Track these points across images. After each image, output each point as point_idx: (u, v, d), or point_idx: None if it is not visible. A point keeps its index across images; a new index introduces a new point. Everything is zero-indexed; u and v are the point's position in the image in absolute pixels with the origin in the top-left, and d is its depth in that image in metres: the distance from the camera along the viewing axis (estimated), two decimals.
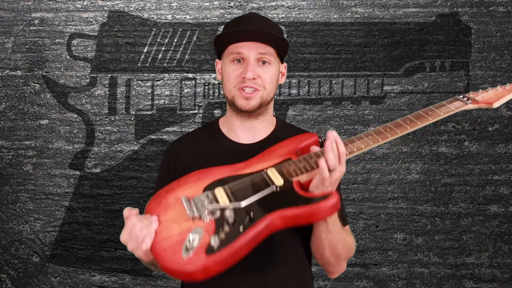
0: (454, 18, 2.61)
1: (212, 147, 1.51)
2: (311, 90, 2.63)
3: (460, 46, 2.61)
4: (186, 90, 2.65)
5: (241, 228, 1.13)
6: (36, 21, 2.65)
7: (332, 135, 1.21)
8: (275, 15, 2.63)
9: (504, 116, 2.62)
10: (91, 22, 2.65)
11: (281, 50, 1.48)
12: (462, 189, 2.62)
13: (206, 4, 2.64)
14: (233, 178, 1.26)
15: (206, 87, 2.64)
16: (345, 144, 1.25)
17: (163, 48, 2.63)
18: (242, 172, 1.28)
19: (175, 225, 1.17)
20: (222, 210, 1.17)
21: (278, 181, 1.22)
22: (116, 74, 2.65)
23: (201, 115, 2.64)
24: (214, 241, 1.11)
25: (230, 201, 1.19)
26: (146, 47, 2.64)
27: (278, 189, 1.21)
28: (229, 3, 2.64)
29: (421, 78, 2.63)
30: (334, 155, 1.20)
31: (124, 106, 2.65)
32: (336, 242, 1.35)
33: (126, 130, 2.65)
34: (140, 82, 2.65)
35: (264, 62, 1.44)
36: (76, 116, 2.65)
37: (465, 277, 2.61)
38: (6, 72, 2.65)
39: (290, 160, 1.28)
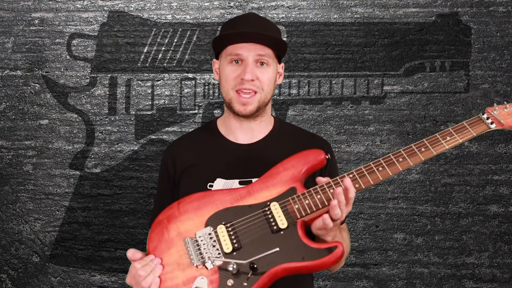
0: (454, 18, 2.61)
1: (211, 148, 1.51)
2: (311, 90, 2.63)
3: (460, 46, 2.61)
4: (186, 90, 2.65)
5: (245, 284, 1.13)
6: (36, 21, 2.65)
7: (339, 194, 1.17)
8: (275, 15, 2.63)
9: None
10: (91, 22, 2.65)
11: (279, 51, 1.48)
12: (462, 189, 2.62)
13: (206, 4, 2.64)
14: (235, 210, 1.24)
15: (206, 87, 2.64)
16: (354, 179, 1.21)
17: (163, 48, 2.63)
18: (244, 203, 1.26)
19: (179, 272, 1.17)
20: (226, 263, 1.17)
21: (282, 223, 1.20)
22: (116, 74, 2.65)
23: (201, 115, 2.64)
24: None
25: (234, 247, 1.18)
26: (146, 47, 2.64)
27: (282, 232, 1.19)
28: (229, 3, 2.64)
29: (421, 78, 2.62)
30: (341, 209, 1.18)
31: (124, 106, 2.65)
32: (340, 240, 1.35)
33: (126, 130, 2.65)
34: (140, 82, 2.65)
35: (262, 64, 1.43)
36: (76, 116, 2.65)
37: (465, 277, 2.61)
38: (6, 72, 2.65)
39: (294, 191, 1.24)
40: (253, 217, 1.22)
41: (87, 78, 2.65)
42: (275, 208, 1.22)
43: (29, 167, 2.66)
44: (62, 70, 2.65)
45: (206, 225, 1.23)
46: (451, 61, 2.61)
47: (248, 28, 1.43)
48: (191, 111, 2.65)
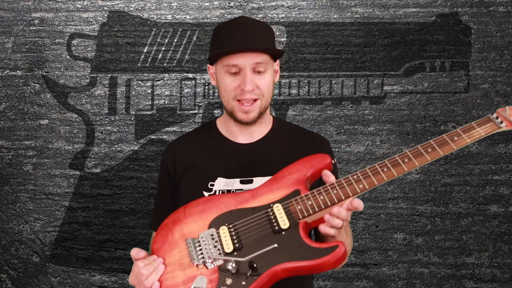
0: (454, 18, 2.61)
1: (211, 147, 1.51)
2: (311, 90, 2.63)
3: (460, 46, 2.61)
4: (186, 90, 2.65)
5: (243, 283, 1.13)
6: (36, 21, 2.65)
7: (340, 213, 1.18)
8: (275, 15, 2.63)
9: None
10: (91, 22, 2.65)
11: (274, 54, 1.48)
12: (462, 189, 2.62)
13: (206, 4, 2.64)
14: (239, 212, 1.25)
15: (206, 87, 2.64)
16: (357, 181, 1.21)
17: (163, 48, 2.63)
18: (248, 205, 1.26)
19: (180, 271, 1.18)
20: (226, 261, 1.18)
21: (284, 223, 1.20)
22: (116, 74, 2.65)
23: (201, 115, 2.64)
24: None
25: (234, 246, 1.19)
26: (146, 47, 2.64)
27: (283, 232, 1.19)
28: (229, 3, 2.64)
29: (421, 78, 2.62)
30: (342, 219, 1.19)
31: (124, 106, 2.65)
32: (345, 241, 1.34)
33: (126, 130, 2.65)
34: (140, 82, 2.65)
35: (259, 72, 1.43)
36: (76, 116, 2.65)
37: (465, 277, 2.61)
38: (6, 72, 2.65)
39: (298, 193, 1.25)
40: (255, 218, 1.23)
41: (87, 78, 2.65)
42: (278, 209, 1.22)
43: (29, 167, 2.66)
44: (62, 70, 2.65)
45: (210, 227, 1.23)
46: (451, 61, 2.61)
47: (242, 37, 1.41)
48: (191, 111, 2.65)
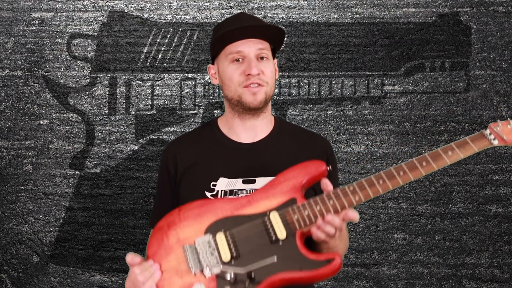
0: (454, 18, 2.61)
1: (213, 146, 1.50)
2: (311, 90, 2.63)
3: (460, 46, 2.61)
4: (186, 90, 2.65)
5: None
6: (36, 21, 2.65)
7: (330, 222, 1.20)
8: (275, 15, 2.63)
9: (504, 116, 2.62)
10: (91, 22, 2.65)
11: (275, 43, 1.49)
12: (462, 189, 2.62)
13: (206, 4, 2.64)
14: (234, 219, 1.25)
15: (206, 87, 2.64)
16: (354, 192, 1.22)
17: (163, 48, 2.63)
18: (245, 212, 1.26)
19: (177, 278, 1.18)
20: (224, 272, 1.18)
21: (281, 233, 1.20)
22: (116, 74, 2.65)
23: (201, 115, 2.64)
24: None
25: (232, 255, 1.19)
26: (146, 47, 2.64)
27: (281, 242, 1.20)
28: (229, 3, 2.64)
29: (421, 78, 2.62)
30: (335, 226, 1.20)
31: (124, 106, 2.65)
32: (337, 245, 1.35)
33: (126, 130, 2.65)
34: (140, 82, 2.65)
35: (262, 58, 1.44)
36: (76, 116, 2.65)
37: (465, 277, 2.61)
38: (6, 72, 2.65)
39: (294, 202, 1.25)
40: (252, 226, 1.23)
41: (87, 78, 2.65)
42: (275, 218, 1.23)
43: (29, 167, 2.66)
44: (62, 70, 2.65)
45: (206, 233, 1.23)
46: (451, 61, 2.61)
47: (246, 22, 1.44)
48: (191, 111, 2.65)
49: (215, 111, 2.64)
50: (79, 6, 2.65)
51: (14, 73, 2.65)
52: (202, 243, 1.22)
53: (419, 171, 1.24)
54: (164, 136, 2.64)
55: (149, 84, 2.65)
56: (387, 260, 2.62)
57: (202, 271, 1.18)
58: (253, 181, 1.42)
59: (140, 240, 2.62)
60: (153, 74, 2.64)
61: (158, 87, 2.65)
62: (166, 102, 2.65)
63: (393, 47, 2.62)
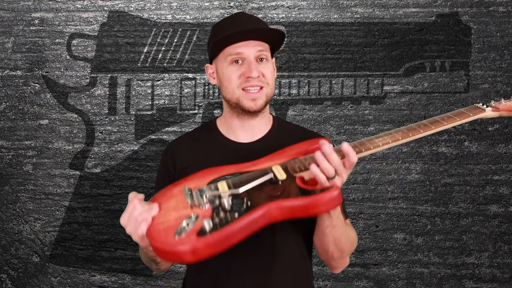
0: (454, 18, 2.61)
1: (211, 147, 1.51)
2: (311, 90, 2.63)
3: (460, 46, 2.61)
4: (186, 90, 2.65)
5: (236, 214, 1.13)
6: (36, 21, 2.65)
7: (321, 151, 1.19)
8: (275, 15, 2.63)
9: (504, 117, 2.62)
10: (91, 22, 2.65)
11: (275, 44, 1.49)
12: (462, 189, 2.62)
13: (206, 4, 2.64)
14: (239, 174, 1.27)
15: (206, 87, 2.64)
16: (354, 146, 1.24)
17: (163, 48, 2.63)
18: (249, 170, 1.29)
19: (174, 212, 1.18)
20: (220, 198, 1.17)
21: (281, 175, 1.22)
22: (116, 74, 2.65)
23: (201, 115, 2.64)
24: (207, 225, 1.11)
25: (230, 189, 1.20)
26: (146, 47, 2.64)
27: (280, 182, 1.21)
28: (229, 3, 2.64)
29: (421, 78, 2.63)
30: (332, 164, 1.19)
31: (124, 106, 2.65)
32: (340, 237, 1.35)
33: (126, 130, 2.65)
34: (140, 82, 2.65)
35: (262, 59, 1.44)
36: (76, 116, 2.65)
37: (465, 277, 2.61)
38: (6, 72, 2.65)
39: (296, 158, 1.28)
40: (253, 174, 1.26)
41: (87, 78, 2.65)
42: (277, 168, 1.26)
43: (29, 167, 2.66)
44: (62, 70, 2.65)
45: (209, 184, 1.26)
46: (451, 61, 2.62)
47: (245, 23, 1.43)
48: (191, 111, 2.65)
49: (215, 111, 2.64)
50: (79, 6, 2.65)
51: (14, 73, 2.65)
52: (203, 188, 1.23)
53: (417, 131, 1.27)
54: (164, 136, 2.64)
55: (149, 84, 2.65)
56: (387, 260, 2.62)
57: (199, 205, 1.18)
58: None
59: None
60: (153, 74, 2.64)
61: (158, 87, 2.65)
62: (166, 102, 2.65)
63: (393, 47, 2.62)
